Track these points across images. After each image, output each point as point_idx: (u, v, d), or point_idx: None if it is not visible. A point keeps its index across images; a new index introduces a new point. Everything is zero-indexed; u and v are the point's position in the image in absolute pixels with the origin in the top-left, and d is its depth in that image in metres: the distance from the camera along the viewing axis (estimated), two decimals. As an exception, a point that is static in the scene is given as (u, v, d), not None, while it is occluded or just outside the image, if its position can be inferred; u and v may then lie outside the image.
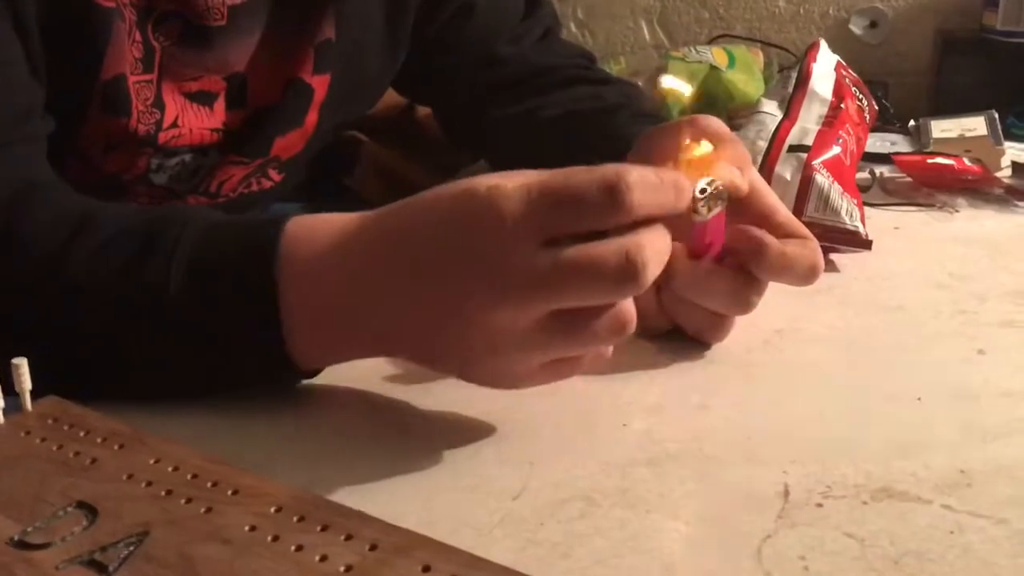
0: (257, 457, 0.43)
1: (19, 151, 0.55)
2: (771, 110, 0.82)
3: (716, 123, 0.55)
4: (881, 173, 0.94)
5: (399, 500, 0.42)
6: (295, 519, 0.34)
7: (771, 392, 0.53)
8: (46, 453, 0.39)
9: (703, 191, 0.47)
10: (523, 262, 0.41)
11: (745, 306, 0.54)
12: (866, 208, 0.76)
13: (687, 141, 0.50)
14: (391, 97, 0.86)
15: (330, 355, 0.49)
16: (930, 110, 1.18)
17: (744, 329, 0.57)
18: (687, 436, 0.48)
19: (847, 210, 0.71)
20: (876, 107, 0.93)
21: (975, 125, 1.03)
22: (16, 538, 0.34)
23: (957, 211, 0.87)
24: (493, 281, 0.42)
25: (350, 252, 0.46)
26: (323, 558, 0.33)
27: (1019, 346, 0.59)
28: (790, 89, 0.84)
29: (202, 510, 0.35)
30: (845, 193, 0.72)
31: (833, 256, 0.71)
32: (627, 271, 0.41)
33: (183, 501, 0.36)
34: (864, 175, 0.91)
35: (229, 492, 0.36)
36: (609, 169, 0.42)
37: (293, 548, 0.33)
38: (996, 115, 1.03)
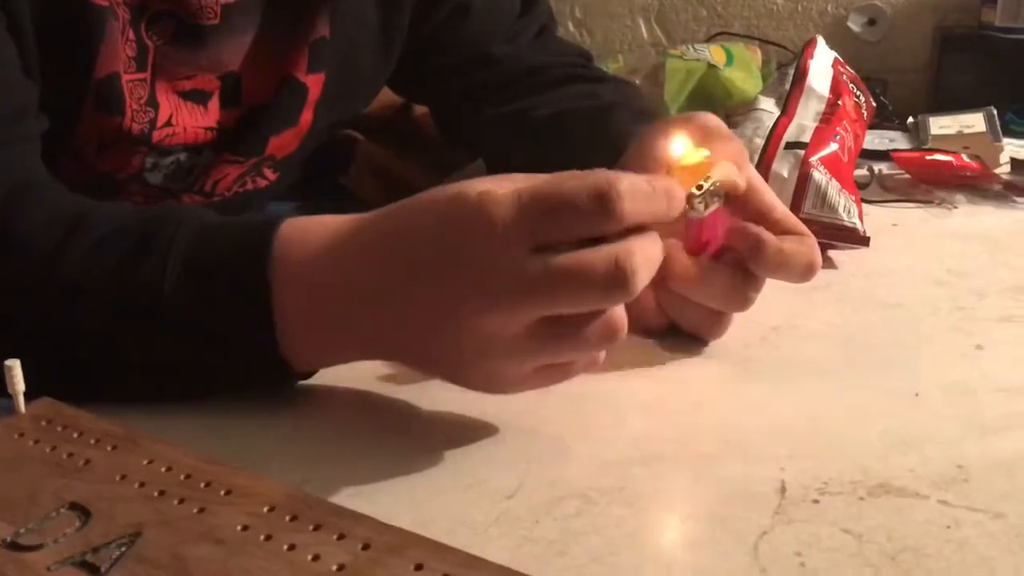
0: (253, 456, 0.43)
1: (13, 150, 0.55)
2: (768, 107, 0.82)
3: (713, 120, 0.54)
4: (880, 170, 0.94)
5: (395, 499, 0.42)
6: (288, 518, 0.34)
7: (768, 388, 0.53)
8: (39, 455, 0.39)
9: (700, 188, 0.47)
10: (513, 268, 0.41)
11: (742, 303, 0.54)
12: (864, 205, 0.76)
13: (683, 147, 0.49)
14: (387, 96, 0.85)
15: (324, 357, 0.49)
16: (929, 107, 1.17)
17: (741, 326, 0.57)
18: (683, 433, 0.48)
19: (845, 207, 0.71)
20: (874, 103, 0.93)
21: (974, 122, 1.03)
22: (8, 540, 0.34)
23: (955, 207, 0.87)
24: (484, 286, 0.42)
25: (344, 254, 0.46)
26: (315, 557, 0.32)
27: (1017, 342, 0.59)
28: (787, 86, 0.83)
29: (195, 510, 0.35)
30: (843, 190, 0.72)
31: (831, 253, 0.71)
32: (616, 278, 0.41)
33: (176, 502, 0.36)
34: (863, 172, 0.91)
35: (222, 492, 0.36)
36: (600, 176, 0.42)
37: (286, 547, 0.33)
38: (995, 111, 1.02)
